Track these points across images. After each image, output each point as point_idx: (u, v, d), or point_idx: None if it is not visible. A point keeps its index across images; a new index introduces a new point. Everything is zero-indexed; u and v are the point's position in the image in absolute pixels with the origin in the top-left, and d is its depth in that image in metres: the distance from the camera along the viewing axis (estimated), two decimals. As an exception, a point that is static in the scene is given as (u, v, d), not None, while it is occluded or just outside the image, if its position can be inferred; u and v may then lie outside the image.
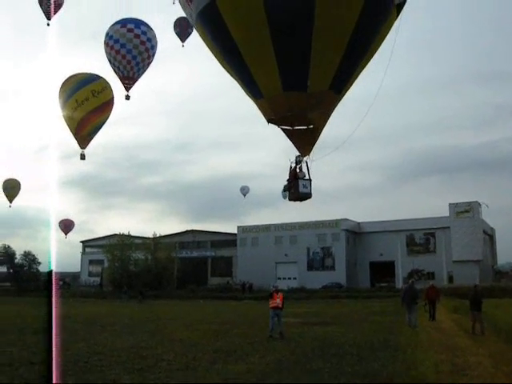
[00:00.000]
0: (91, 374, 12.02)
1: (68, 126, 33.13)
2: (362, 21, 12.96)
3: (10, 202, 59.45)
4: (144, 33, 31.11)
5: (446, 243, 75.94)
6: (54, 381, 9.16)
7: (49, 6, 35.36)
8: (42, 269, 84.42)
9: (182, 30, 38.74)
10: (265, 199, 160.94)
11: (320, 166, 15.48)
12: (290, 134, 15.47)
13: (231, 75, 15.51)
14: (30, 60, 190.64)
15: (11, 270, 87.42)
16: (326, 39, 13.09)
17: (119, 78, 31.69)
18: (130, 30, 30.80)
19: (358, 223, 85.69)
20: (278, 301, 19.31)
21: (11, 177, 61.81)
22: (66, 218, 75.32)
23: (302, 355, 14.65)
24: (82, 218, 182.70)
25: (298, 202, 15.60)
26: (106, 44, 31.28)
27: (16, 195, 59.81)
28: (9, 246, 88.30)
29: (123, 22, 31.27)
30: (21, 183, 61.04)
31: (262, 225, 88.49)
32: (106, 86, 33.33)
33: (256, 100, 15.19)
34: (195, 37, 16.29)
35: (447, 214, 76.69)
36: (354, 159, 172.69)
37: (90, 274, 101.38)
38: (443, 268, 75.40)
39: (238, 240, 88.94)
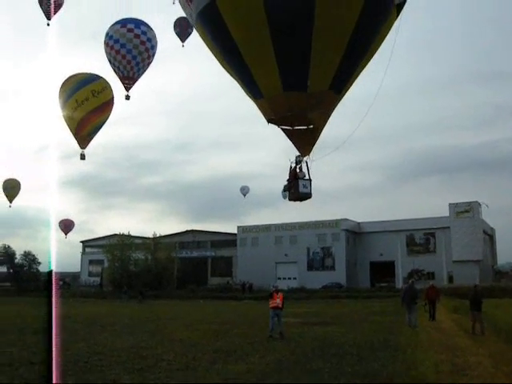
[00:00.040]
0: (91, 374, 12.02)
1: (68, 126, 33.13)
2: (362, 21, 12.96)
3: (10, 201, 59.48)
4: (144, 33, 31.11)
5: (446, 243, 75.95)
6: (54, 381, 9.16)
7: (49, 6, 35.37)
8: (42, 269, 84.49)
9: (182, 29, 38.74)
10: (265, 199, 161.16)
11: (320, 166, 15.49)
12: (289, 134, 15.47)
13: (231, 75, 15.51)
14: (30, 60, 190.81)
15: (11, 270, 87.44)
16: (326, 39, 13.09)
17: (119, 77, 31.69)
18: (129, 30, 30.80)
19: (358, 223, 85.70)
20: (277, 301, 19.31)
21: (11, 177, 61.88)
22: (66, 217, 75.39)
23: (302, 355, 14.65)
24: (82, 218, 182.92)
25: (297, 202, 15.60)
26: (106, 44, 31.28)
27: (16, 195, 59.81)
28: (9, 246, 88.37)
29: (123, 22, 31.27)
30: (21, 183, 61.10)
31: (262, 225, 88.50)
32: (105, 86, 33.33)
33: (256, 100, 15.19)
34: (195, 37, 16.32)
35: (447, 214, 76.71)
36: (354, 159, 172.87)
37: (90, 274, 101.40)
38: (443, 268, 75.42)
39: (238, 240, 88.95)
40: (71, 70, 34.35)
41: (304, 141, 15.30)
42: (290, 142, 15.53)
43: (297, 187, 14.95)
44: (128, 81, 31.62)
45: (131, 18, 32.00)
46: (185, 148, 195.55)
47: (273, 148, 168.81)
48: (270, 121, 15.24)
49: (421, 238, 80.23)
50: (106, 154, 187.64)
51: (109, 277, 76.28)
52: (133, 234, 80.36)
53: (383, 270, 79.11)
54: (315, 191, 15.10)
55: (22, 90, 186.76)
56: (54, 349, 9.26)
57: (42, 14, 36.07)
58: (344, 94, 15.18)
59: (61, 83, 33.43)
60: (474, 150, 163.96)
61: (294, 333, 20.23)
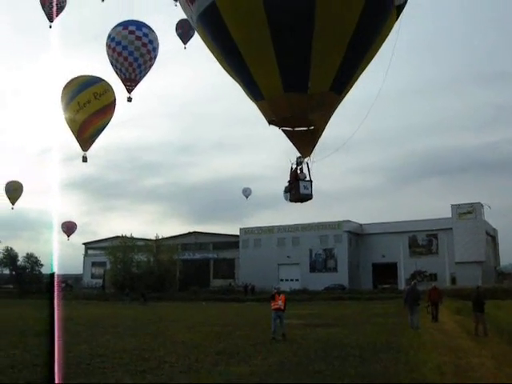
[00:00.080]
0: (93, 376, 12.02)
1: (70, 128, 33.14)
2: (363, 21, 12.96)
3: (13, 204, 59.51)
4: (146, 35, 31.14)
5: (449, 244, 75.86)
6: (56, 381, 9.16)
7: (51, 9, 35.45)
8: (45, 271, 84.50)
9: (183, 31, 38.74)
10: (267, 201, 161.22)
11: (322, 167, 15.50)
12: (290, 136, 15.48)
13: (232, 77, 15.52)
14: (32, 62, 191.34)
15: (14, 272, 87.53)
16: (327, 40, 13.09)
17: (121, 80, 31.72)
18: (131, 32, 30.82)
19: (361, 225, 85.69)
20: (279, 302, 19.29)
21: (14, 179, 61.95)
22: (68, 220, 75.43)
23: (305, 357, 14.63)
24: (85, 220, 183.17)
25: (299, 204, 15.60)
26: (108, 46, 31.31)
27: (18, 197, 59.86)
28: (11, 248, 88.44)
29: (125, 24, 31.31)
30: (23, 185, 61.16)
31: (265, 226, 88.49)
32: (107, 89, 33.35)
33: (257, 101, 15.20)
34: (197, 39, 16.33)
35: (449, 216, 76.67)
36: (355, 161, 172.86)
37: (93, 276, 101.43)
38: (446, 269, 75.32)
39: (241, 242, 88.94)
40: (73, 72, 34.44)
41: (305, 142, 15.30)
42: (291, 144, 15.54)
43: (297, 188, 14.95)
44: (130, 83, 31.64)
45: (133, 20, 32.03)
46: (187, 150, 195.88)
47: (275, 149, 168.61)
48: (270, 122, 15.25)
49: (423, 240, 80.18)
50: (108, 156, 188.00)
51: (111, 279, 76.32)
52: (135, 235, 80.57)
53: (386, 272, 79.02)
54: (317, 193, 15.11)
55: (25, 92, 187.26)
56: (56, 350, 9.25)
57: (45, 17, 36.18)
58: (345, 95, 15.18)
59: (63, 86, 33.47)
60: (475, 151, 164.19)
61: (297, 334, 20.21)
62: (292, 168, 15.30)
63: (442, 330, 22.22)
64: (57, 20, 35.92)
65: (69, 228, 74.49)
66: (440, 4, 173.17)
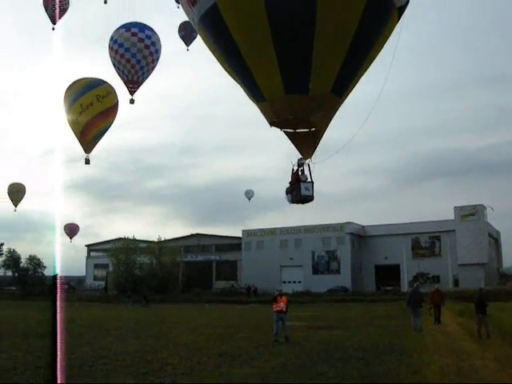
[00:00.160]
0: (96, 378, 12.03)
1: (73, 130, 33.16)
2: (364, 23, 12.98)
3: (15, 206, 59.60)
4: (148, 37, 31.15)
5: (452, 246, 75.76)
6: (59, 381, 9.15)
7: (54, 11, 35.53)
8: (47, 273, 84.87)
9: (186, 33, 38.77)
10: (270, 203, 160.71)
11: (325, 169, 15.52)
12: (292, 137, 15.50)
13: (234, 79, 15.55)
14: (35, 64, 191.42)
15: (16, 274, 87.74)
16: (328, 42, 13.11)
17: (124, 82, 31.72)
18: (134, 34, 30.84)
19: (363, 227, 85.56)
20: (281, 304, 19.27)
21: (16, 181, 62.04)
22: (70, 222, 75.48)
23: (308, 359, 14.62)
24: (87, 222, 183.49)
25: (302, 206, 15.61)
26: (111, 48, 31.33)
27: (21, 199, 59.92)
28: (14, 250, 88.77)
29: (127, 26, 31.32)
30: (26, 187, 61.23)
31: (267, 228, 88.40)
32: (110, 91, 33.38)
33: (258, 103, 15.22)
34: (200, 41, 16.35)
35: (452, 217, 76.60)
36: (358, 163, 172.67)
37: (95, 278, 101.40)
38: (449, 271, 75.21)
39: (243, 244, 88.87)
40: (76, 74, 34.60)
41: (306, 143, 15.32)
42: (293, 145, 15.56)
43: (299, 190, 14.97)
44: (132, 85, 31.65)
45: (135, 22, 32.05)
46: (189, 152, 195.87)
47: (278, 151, 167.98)
48: (272, 124, 15.27)
49: (426, 242, 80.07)
50: (111, 158, 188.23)
51: (114, 281, 76.37)
52: (138, 237, 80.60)
53: (388, 274, 78.89)
54: (320, 195, 15.13)
55: (28, 93, 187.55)
56: (58, 352, 9.24)
57: (47, 19, 36.26)
58: (346, 97, 15.19)
59: (65, 88, 33.50)
60: (478, 153, 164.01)
61: (300, 336, 20.20)
62: (293, 169, 15.31)
63: (444, 332, 22.19)
64: (60, 22, 36.02)
65: (71, 230, 74.55)
66: (442, 6, 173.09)
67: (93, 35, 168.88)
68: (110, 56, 31.53)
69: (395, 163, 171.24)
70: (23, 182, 61.82)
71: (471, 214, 75.20)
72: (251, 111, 15.76)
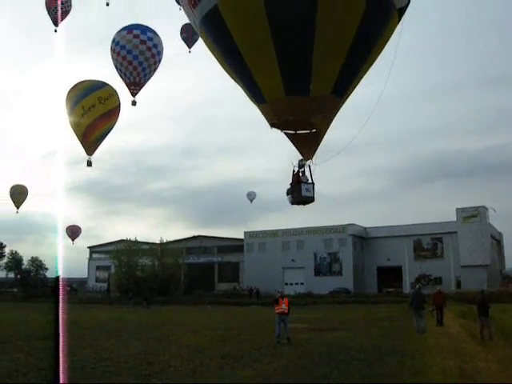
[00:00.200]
0: (98, 379, 12.03)
1: (75, 132, 33.20)
2: (364, 25, 12.99)
3: (18, 207, 59.68)
4: (150, 39, 31.20)
5: (454, 248, 75.63)
6: (61, 381, 9.16)
7: (56, 13, 35.60)
8: (49, 274, 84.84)
9: (188, 35, 38.81)
10: (272, 204, 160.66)
11: (327, 171, 15.55)
12: (292, 138, 15.51)
13: (234, 80, 15.57)
14: (37, 66, 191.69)
15: (18, 276, 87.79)
16: (328, 43, 13.12)
17: (125, 83, 31.77)
18: (136, 36, 30.90)
19: (365, 228, 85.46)
20: (283, 306, 19.26)
21: (18, 182, 62.12)
22: (73, 224, 75.60)
23: (310, 361, 14.60)
24: (89, 224, 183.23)
25: (304, 207, 15.61)
26: (113, 50, 31.39)
27: (23, 201, 60.01)
28: (16, 252, 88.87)
29: (129, 28, 31.39)
30: (28, 189, 61.29)
31: (269, 230, 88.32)
32: (112, 93, 33.43)
33: (259, 104, 15.24)
34: (201, 43, 16.37)
35: (454, 219, 76.46)
36: (359, 164, 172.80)
37: (97, 280, 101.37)
38: (451, 273, 75.07)
39: (245, 245, 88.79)
40: (78, 76, 34.65)
41: (307, 145, 15.33)
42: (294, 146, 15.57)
43: (299, 191, 14.98)
44: (134, 86, 31.69)
45: (137, 24, 32.12)
46: (191, 153, 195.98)
47: (280, 153, 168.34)
48: (272, 125, 15.28)
49: (428, 243, 79.92)
50: (113, 160, 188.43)
51: (116, 282, 76.36)
52: (140, 239, 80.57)
53: (390, 275, 78.75)
54: (322, 196, 15.16)
55: (30, 96, 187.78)
56: (61, 354, 9.24)
57: (50, 21, 36.32)
58: (346, 98, 15.20)
59: (68, 90, 33.56)
60: (479, 155, 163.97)
61: (302, 338, 20.18)
62: (294, 171, 15.30)
63: (446, 333, 22.15)
64: (62, 24, 36.10)
65: (73, 232, 74.68)
66: (443, 7, 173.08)
67: (95, 37, 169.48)
68: (112, 58, 31.59)
69: (397, 165, 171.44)
70: (25, 184, 62.07)
71: (473, 215, 75.08)
72: (252, 113, 15.79)
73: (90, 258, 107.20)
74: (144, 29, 31.66)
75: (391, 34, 14.48)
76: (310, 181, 15.14)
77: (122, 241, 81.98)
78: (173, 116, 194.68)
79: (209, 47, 15.37)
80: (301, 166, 15.21)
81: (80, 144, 33.37)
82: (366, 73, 15.07)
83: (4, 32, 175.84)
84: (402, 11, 14.14)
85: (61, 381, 9.16)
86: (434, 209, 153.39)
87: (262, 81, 14.28)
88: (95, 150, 33.78)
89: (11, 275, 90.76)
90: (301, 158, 15.36)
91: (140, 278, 73.38)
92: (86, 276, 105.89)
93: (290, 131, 15.37)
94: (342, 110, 15.27)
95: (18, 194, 59.59)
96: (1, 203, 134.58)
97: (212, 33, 14.44)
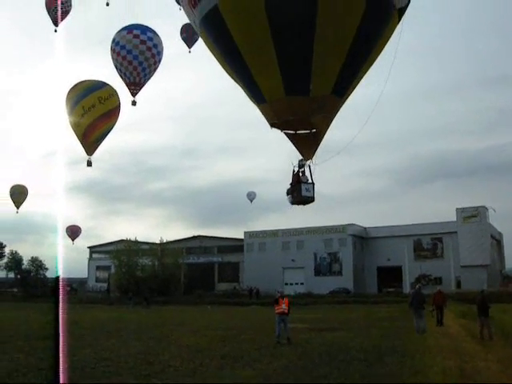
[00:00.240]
0: (98, 380, 12.02)
1: (75, 132, 33.20)
2: (364, 25, 13.00)
3: (18, 207, 59.68)
4: (150, 39, 31.21)
5: (454, 248, 75.62)
6: (61, 381, 9.16)
7: (56, 13, 35.61)
8: (49, 274, 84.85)
9: (188, 35, 38.80)
10: (272, 204, 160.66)
11: (327, 171, 15.56)
12: (292, 138, 15.51)
13: (234, 80, 15.57)
14: (37, 66, 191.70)
15: (18, 276, 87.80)
16: (328, 43, 13.12)
17: (125, 83, 31.77)
18: (136, 36, 30.90)
19: (365, 228, 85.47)
20: (283, 306, 19.26)
21: (18, 182, 62.11)
22: (73, 224, 75.60)
23: (310, 361, 14.60)
24: (89, 224, 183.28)
25: (304, 207, 15.61)
26: (113, 50, 31.39)
27: (23, 201, 60.01)
28: (16, 252, 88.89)
29: (129, 28, 31.39)
30: (28, 189, 61.29)
31: (269, 230, 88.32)
32: (112, 93, 33.42)
33: (259, 104, 15.24)
34: (202, 43, 16.37)
35: (454, 219, 76.47)
36: (360, 164, 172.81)
37: (97, 280, 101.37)
38: (451, 273, 75.05)
39: (245, 245, 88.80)
40: (78, 76, 34.64)
41: (307, 145, 15.33)
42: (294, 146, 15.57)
43: (299, 191, 14.99)
44: (134, 86, 31.69)
45: (137, 24, 32.12)
46: (191, 154, 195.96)
47: (280, 153, 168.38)
48: (272, 125, 15.28)
49: (428, 243, 79.93)
50: (113, 160, 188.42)
51: (116, 282, 76.36)
52: (140, 239, 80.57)
53: (390, 275, 78.75)
54: (322, 196, 15.16)
55: (30, 95, 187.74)
56: (61, 354, 9.25)
57: (50, 21, 36.32)
58: (346, 99, 15.20)
59: (67, 90, 33.56)
60: (480, 155, 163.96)
61: (302, 338, 20.17)
62: (294, 171, 15.31)
63: (446, 333, 22.15)
64: (62, 24, 36.10)
65: (73, 232, 74.68)
66: (443, 7, 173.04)
67: (95, 37, 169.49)
68: (112, 58, 31.59)
69: (397, 165, 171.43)
70: (25, 184, 62.04)
71: (473, 215, 75.09)
72: (252, 113, 15.80)
73: (90, 258, 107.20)
74: (144, 29, 31.67)
75: (391, 34, 14.49)
76: (309, 181, 15.15)
77: (122, 241, 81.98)
78: (173, 116, 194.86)
79: (209, 47, 15.38)
80: (301, 166, 15.22)
81: (80, 144, 33.38)
82: (366, 73, 15.08)
83: (4, 32, 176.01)
84: (402, 11, 14.14)
85: (61, 381, 9.17)
86: (434, 209, 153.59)
87: (262, 81, 14.28)
88: (95, 150, 33.78)
89: (11, 275, 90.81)
90: (301, 158, 15.36)
91: (140, 278, 73.38)
92: (85, 276, 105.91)
93: (290, 131, 15.37)
94: (342, 110, 15.27)
95: (18, 194, 59.60)
96: (1, 203, 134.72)
97: (212, 33, 14.44)
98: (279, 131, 15.39)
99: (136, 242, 78.74)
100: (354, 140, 16.33)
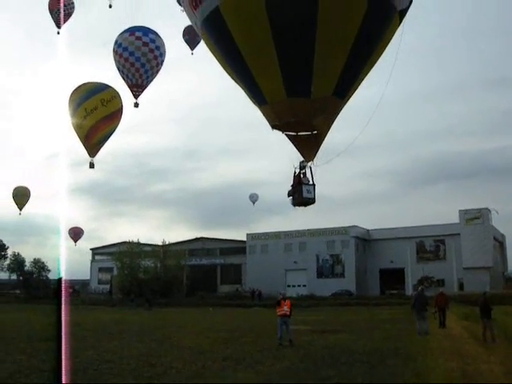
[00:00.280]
0: (101, 381, 12.02)
1: (77, 134, 33.25)
2: (365, 26, 12.99)
3: (20, 209, 59.77)
4: (152, 40, 31.26)
5: (456, 250, 75.51)
6: (63, 381, 9.17)
7: (59, 15, 35.72)
8: (52, 276, 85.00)
9: (191, 37, 38.86)
10: (274, 206, 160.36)
11: (329, 173, 15.56)
12: (294, 140, 15.52)
13: (236, 82, 15.58)
14: (39, 68, 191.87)
15: (21, 278, 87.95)
16: (329, 45, 13.13)
17: (128, 85, 31.82)
18: (138, 38, 30.95)
19: (368, 230, 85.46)
20: (285, 308, 19.26)
21: (21, 184, 62.22)
22: (75, 225, 75.70)
23: (312, 363, 14.58)
24: (92, 226, 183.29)
25: (307, 209, 15.60)
26: (115, 52, 31.44)
27: (26, 203, 60.12)
28: (18, 254, 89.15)
29: (132, 30, 31.45)
30: (30, 191, 61.40)
31: (272, 232, 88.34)
32: (115, 95, 33.46)
33: (260, 106, 15.24)
34: (204, 45, 16.39)
35: (457, 221, 76.42)
36: (362, 166, 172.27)
37: (100, 282, 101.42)
38: (453, 275, 74.93)
39: (248, 247, 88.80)
40: (80, 78, 34.78)
41: (308, 146, 15.33)
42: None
43: (301, 192, 14.99)
44: (137, 88, 31.75)
45: (140, 26, 32.17)
46: (194, 155, 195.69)
47: (282, 154, 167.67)
48: (274, 127, 15.29)
49: (431, 245, 79.90)
50: (116, 162, 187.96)
51: (118, 284, 76.43)
52: (142, 241, 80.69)
53: (393, 277, 78.70)
54: (324, 198, 15.20)
55: (32, 97, 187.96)
56: (63, 356, 9.25)
57: (53, 23, 36.44)
58: (347, 100, 15.20)
59: (70, 92, 33.62)
60: (482, 156, 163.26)
61: (304, 340, 20.16)
62: (295, 172, 15.32)
63: (449, 335, 22.12)
64: (64, 26, 36.22)
65: (76, 233, 74.77)
66: (445, 8, 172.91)
67: (97, 39, 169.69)
68: (115, 60, 31.64)
69: (399, 166, 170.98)
70: (28, 186, 62.15)
71: (476, 217, 75.05)
72: (255, 114, 15.78)
73: (93, 260, 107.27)
74: (146, 31, 31.72)
75: (392, 35, 14.49)
76: (311, 182, 15.17)
77: (124, 243, 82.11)
78: (175, 118, 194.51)
79: (210, 49, 15.40)
80: (302, 167, 15.23)
81: (82, 146, 33.43)
82: (367, 74, 15.07)
83: (7, 33, 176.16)
84: (403, 13, 14.15)
85: (63, 382, 9.17)
86: (436, 211, 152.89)
87: (263, 82, 14.29)
88: (98, 151, 33.83)
89: (14, 277, 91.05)
90: (302, 159, 15.36)
91: (142, 280, 73.44)
92: (88, 278, 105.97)
93: (291, 133, 15.38)
94: (343, 111, 15.27)
95: (21, 196, 59.71)
96: (4, 205, 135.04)
97: (213, 34, 14.45)
98: (280, 133, 15.41)
99: (138, 244, 78.85)
100: (355, 142, 16.30)
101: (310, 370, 13.32)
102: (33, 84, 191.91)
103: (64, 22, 36.22)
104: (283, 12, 12.71)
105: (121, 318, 37.20)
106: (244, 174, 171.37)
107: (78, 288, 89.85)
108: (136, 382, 11.87)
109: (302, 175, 15.21)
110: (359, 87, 15.37)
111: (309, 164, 15.31)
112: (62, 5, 36.37)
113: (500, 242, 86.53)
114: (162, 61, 32.31)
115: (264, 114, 15.35)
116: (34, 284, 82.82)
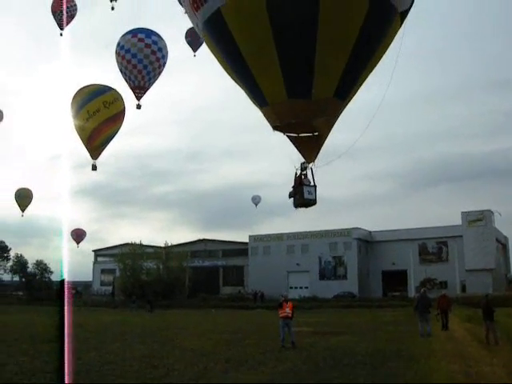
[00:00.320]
0: (103, 383, 12.03)
1: (80, 136, 33.27)
2: (366, 27, 12.97)
3: (23, 211, 59.81)
4: (155, 42, 31.27)
5: (459, 252, 75.43)
6: (66, 381, 9.19)
7: (61, 17, 35.79)
8: (54, 278, 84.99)
9: (193, 39, 38.85)
10: (277, 208, 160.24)
11: (331, 175, 15.58)
12: (295, 141, 15.52)
13: (237, 83, 15.57)
14: (42, 69, 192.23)
15: (23, 279, 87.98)
16: (331, 46, 13.11)
17: (130, 87, 31.83)
18: (140, 40, 30.95)
19: (370, 232, 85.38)
20: (287, 310, 19.25)
21: (24, 186, 62.26)
22: (77, 227, 75.70)
23: (314, 365, 14.58)
24: (94, 227, 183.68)
25: (309, 211, 15.60)
26: (118, 54, 31.46)
27: (28, 204, 60.14)
28: (21, 255, 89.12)
29: (134, 32, 31.46)
30: (33, 192, 61.43)
31: (274, 234, 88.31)
32: (117, 98, 33.47)
33: (261, 107, 15.24)
34: (206, 46, 16.40)
35: (459, 223, 76.35)
36: (364, 168, 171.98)
37: (102, 283, 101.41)
38: (456, 277, 74.80)
39: (250, 249, 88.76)
40: (83, 80, 34.70)
41: (309, 148, 15.32)
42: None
43: (302, 194, 14.99)
44: (139, 90, 31.75)
45: (142, 28, 32.19)
46: (196, 157, 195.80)
47: (284, 156, 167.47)
48: (275, 128, 15.29)
49: (433, 247, 79.81)
50: (118, 164, 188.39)
51: (120, 286, 76.38)
52: (144, 243, 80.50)
53: (395, 279, 78.57)
54: (327, 200, 15.26)
55: (35, 99, 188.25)
56: (66, 357, 9.27)
57: (56, 25, 36.52)
58: (349, 101, 15.19)
59: (73, 94, 33.64)
60: (484, 158, 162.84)
61: (306, 342, 20.16)
62: (296, 173, 15.33)
63: (452, 337, 22.11)
64: (67, 28, 36.28)
65: (78, 235, 74.77)
66: (446, 10, 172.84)
67: (100, 41, 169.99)
68: (117, 62, 31.66)
69: (401, 168, 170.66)
70: (30, 188, 62.13)
71: (478, 219, 74.96)
72: (257, 116, 15.76)
73: (95, 262, 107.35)
74: (149, 32, 31.73)
75: (393, 37, 14.47)
76: (312, 183, 15.18)
77: (126, 244, 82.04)
78: (177, 120, 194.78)
79: (212, 50, 15.40)
80: (303, 168, 15.24)
81: (85, 148, 33.45)
82: (368, 76, 15.05)
83: (10, 35, 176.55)
84: (404, 14, 14.14)
85: (66, 380, 9.19)
86: (438, 213, 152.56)
87: (264, 83, 14.28)
88: (100, 153, 33.84)
89: (16, 278, 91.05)
90: (303, 160, 15.37)
91: (145, 282, 73.35)
92: (90, 279, 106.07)
93: (292, 134, 15.39)
94: (344, 113, 15.27)
95: (23, 198, 59.72)
96: (6, 207, 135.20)
97: (215, 36, 14.45)
98: (282, 134, 15.42)
99: (141, 246, 78.75)
100: (356, 143, 16.27)
101: (313, 372, 13.32)
102: (35, 85, 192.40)
103: (67, 24, 36.30)
104: (284, 12, 12.70)
105: (123, 320, 37.23)
106: (246, 176, 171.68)
107: (80, 289, 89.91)
108: (138, 384, 11.89)
109: (303, 176, 15.21)
110: (360, 89, 15.36)
111: (310, 165, 15.30)
112: (64, 6, 36.45)
113: (503, 244, 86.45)
114: (165, 63, 32.31)
115: (265, 116, 15.35)
116: (37, 285, 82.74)
